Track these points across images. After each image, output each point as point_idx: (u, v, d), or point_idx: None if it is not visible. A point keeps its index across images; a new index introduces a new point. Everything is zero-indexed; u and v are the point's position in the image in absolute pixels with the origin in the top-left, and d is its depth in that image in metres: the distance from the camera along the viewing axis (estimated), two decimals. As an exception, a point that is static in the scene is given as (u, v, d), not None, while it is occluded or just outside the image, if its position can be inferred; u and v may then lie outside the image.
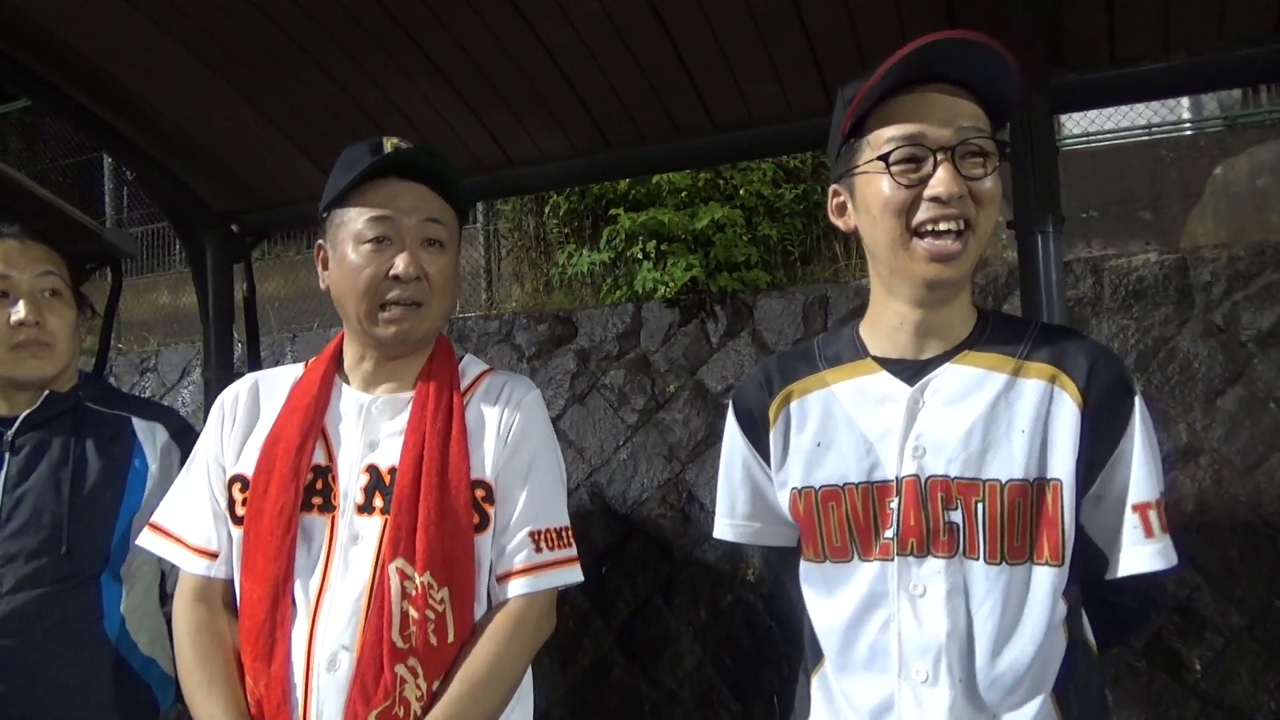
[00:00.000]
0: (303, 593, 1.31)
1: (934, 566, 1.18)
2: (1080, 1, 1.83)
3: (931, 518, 1.18)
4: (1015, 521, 1.16)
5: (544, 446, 1.44)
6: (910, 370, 1.24)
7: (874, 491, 1.22)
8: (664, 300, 4.77)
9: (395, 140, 1.38)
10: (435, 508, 1.31)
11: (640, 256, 4.85)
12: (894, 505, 1.20)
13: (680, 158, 2.70)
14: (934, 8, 1.89)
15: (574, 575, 1.41)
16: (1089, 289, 3.96)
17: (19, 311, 1.63)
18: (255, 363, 2.97)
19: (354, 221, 1.37)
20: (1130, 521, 1.17)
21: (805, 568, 1.32)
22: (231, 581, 1.41)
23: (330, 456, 1.38)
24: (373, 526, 1.33)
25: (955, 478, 1.18)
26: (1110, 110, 4.69)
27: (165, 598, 1.78)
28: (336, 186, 1.38)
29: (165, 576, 1.78)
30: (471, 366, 1.51)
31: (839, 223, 1.30)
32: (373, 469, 1.36)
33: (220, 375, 2.78)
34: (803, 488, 1.27)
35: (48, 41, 2.23)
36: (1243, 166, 4.12)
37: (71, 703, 1.59)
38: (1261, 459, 3.50)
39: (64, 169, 8.45)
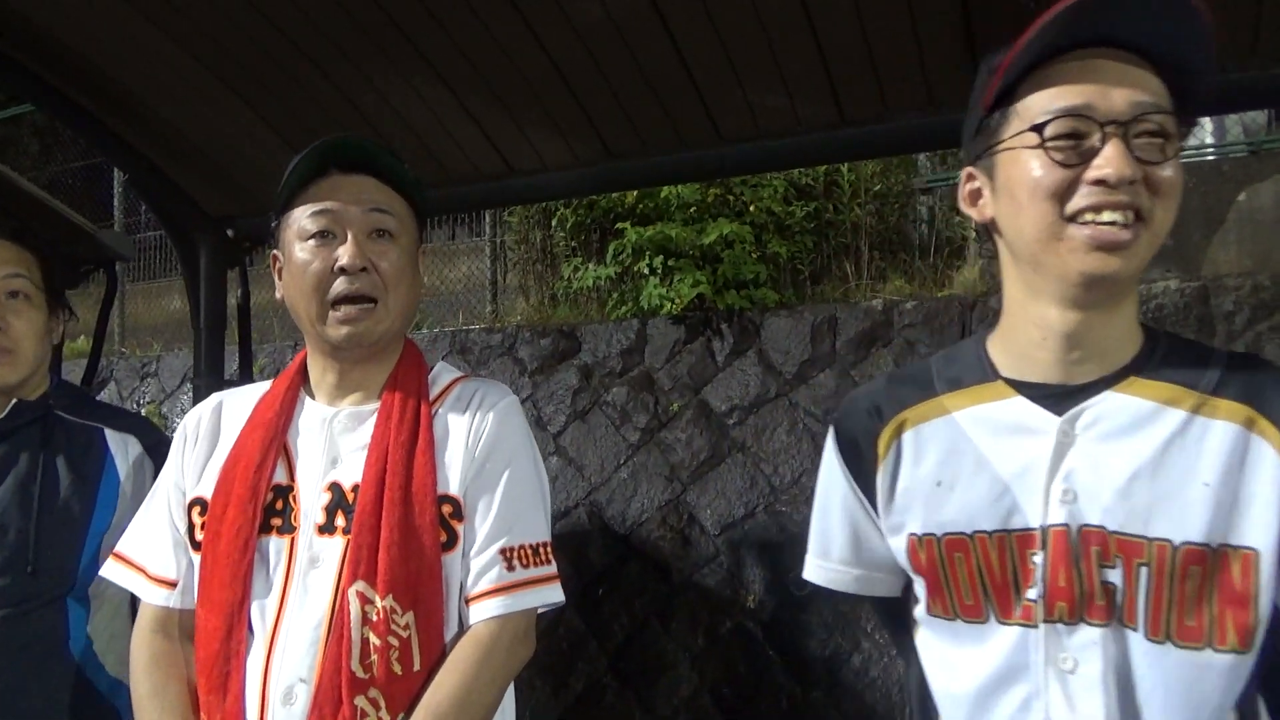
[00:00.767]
0: (260, 620, 1.23)
1: (1088, 636, 0.97)
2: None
3: (1085, 577, 0.97)
4: (1187, 594, 0.94)
5: (519, 455, 1.34)
6: (1056, 396, 1.03)
7: (1012, 542, 1.01)
8: (670, 317, 4.70)
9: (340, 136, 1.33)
10: (398, 526, 1.22)
11: (647, 272, 4.79)
12: (1038, 560, 0.99)
13: (685, 170, 2.63)
14: (952, 20, 1.81)
15: (552, 595, 1.31)
16: (1106, 315, 3.87)
17: None
18: (247, 372, 2.92)
19: (299, 220, 1.32)
20: None
21: (929, 621, 1.12)
22: (192, 611, 1.34)
23: (291, 474, 1.30)
24: (334, 548, 1.24)
25: (1114, 532, 0.97)
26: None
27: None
28: (283, 191, 1.33)
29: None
30: (444, 374, 1.42)
31: (971, 212, 1.09)
32: (335, 486, 1.28)
33: (211, 384, 2.72)
34: (924, 535, 1.08)
35: (45, 41, 2.19)
36: (1268, 193, 4.02)
37: None
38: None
39: (75, 171, 8.49)
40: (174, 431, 1.40)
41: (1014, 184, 0.99)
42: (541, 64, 2.08)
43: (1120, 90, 0.94)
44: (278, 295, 1.39)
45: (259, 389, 1.43)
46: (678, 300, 4.62)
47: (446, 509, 1.28)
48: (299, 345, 5.75)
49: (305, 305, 1.31)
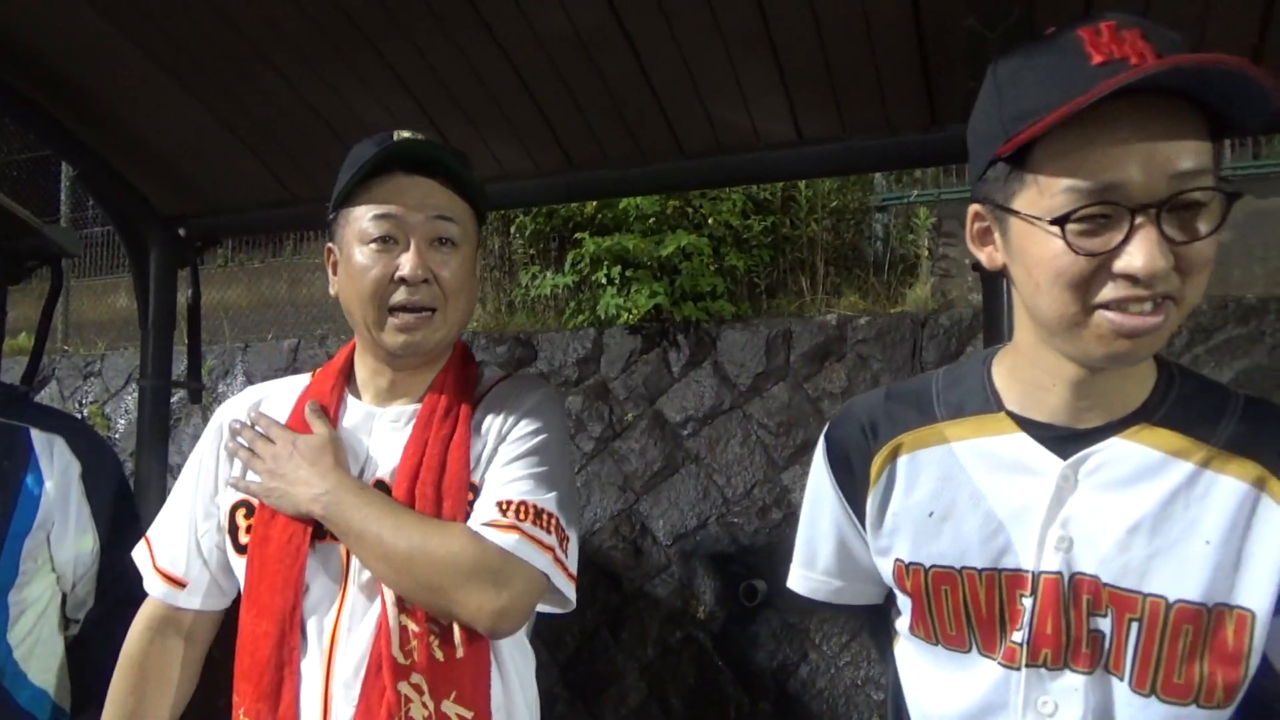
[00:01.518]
0: (315, 626, 1.22)
1: (1071, 682, 0.95)
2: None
3: (1074, 625, 0.94)
4: (1178, 652, 0.91)
5: (546, 437, 1.29)
6: (1061, 438, 0.97)
7: (1001, 581, 0.98)
8: (626, 327, 4.72)
9: (405, 133, 1.28)
10: (429, 512, 1.21)
11: (604, 281, 4.80)
12: (1026, 603, 0.96)
13: (645, 182, 2.64)
14: (906, 47, 1.86)
15: (538, 558, 1.17)
16: (1051, 335, 3.96)
17: None
18: (195, 374, 2.86)
19: (359, 220, 1.26)
20: None
21: (911, 640, 1.08)
22: (203, 615, 1.34)
23: None
24: None
25: (1108, 584, 0.93)
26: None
27: (65, 622, 1.66)
28: (342, 184, 1.28)
29: (65, 599, 1.65)
30: (489, 374, 1.40)
31: (980, 255, 0.99)
32: (380, 485, 1.26)
33: (157, 385, 2.66)
34: (911, 564, 1.04)
35: (-9, 30, 2.13)
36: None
37: None
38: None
39: (20, 164, 8.26)
40: (117, 434, 1.36)
41: (1030, 262, 0.90)
42: (504, 72, 2.08)
43: (1158, 160, 0.81)
44: (331, 292, 1.34)
45: (297, 384, 1.39)
46: (635, 310, 4.64)
47: (470, 496, 1.25)
48: (249, 348, 5.64)
49: (362, 310, 1.27)
